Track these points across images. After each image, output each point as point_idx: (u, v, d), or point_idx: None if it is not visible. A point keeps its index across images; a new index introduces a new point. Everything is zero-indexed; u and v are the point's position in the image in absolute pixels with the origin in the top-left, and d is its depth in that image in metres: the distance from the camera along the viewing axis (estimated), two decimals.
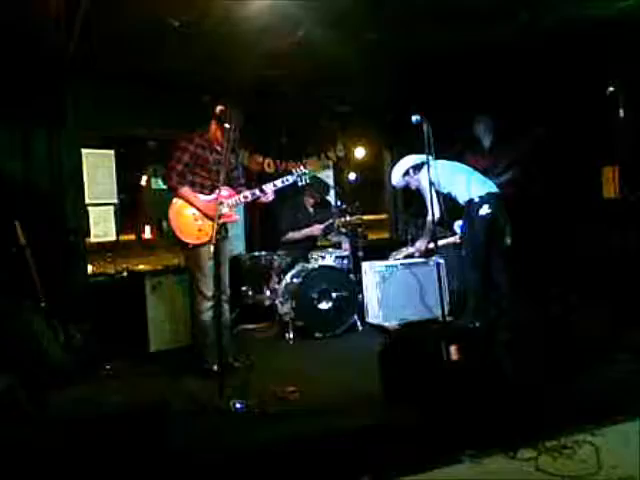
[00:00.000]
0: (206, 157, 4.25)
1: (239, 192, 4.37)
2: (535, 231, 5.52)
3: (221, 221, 4.19)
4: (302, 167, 4.61)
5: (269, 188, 4.38)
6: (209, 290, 4.14)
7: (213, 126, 4.27)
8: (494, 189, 5.01)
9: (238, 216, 4.48)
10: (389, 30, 4.83)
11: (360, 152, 7.49)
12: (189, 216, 4.22)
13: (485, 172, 5.28)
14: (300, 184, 4.58)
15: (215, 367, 4.01)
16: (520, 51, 5.21)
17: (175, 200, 4.22)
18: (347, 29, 4.69)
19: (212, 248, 3.69)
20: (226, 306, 4.42)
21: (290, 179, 4.46)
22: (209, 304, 4.18)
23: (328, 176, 7.08)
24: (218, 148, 4.26)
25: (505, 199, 5.02)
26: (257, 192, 4.35)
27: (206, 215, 4.17)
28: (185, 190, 4.20)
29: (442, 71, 5.67)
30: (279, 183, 4.41)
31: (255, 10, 4.27)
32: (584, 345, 3.97)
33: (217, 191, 3.91)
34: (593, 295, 4.91)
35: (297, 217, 6.14)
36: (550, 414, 3.08)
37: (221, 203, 3.93)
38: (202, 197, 4.24)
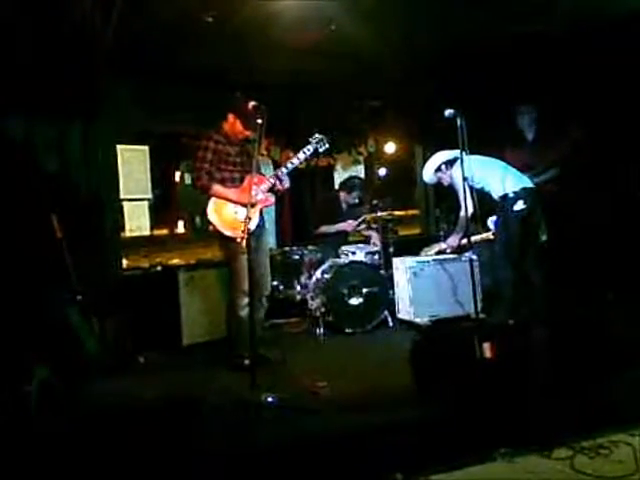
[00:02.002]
0: (228, 151, 4.29)
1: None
2: (573, 227, 5.42)
3: (259, 207, 4.27)
4: (317, 134, 4.48)
5: (295, 160, 4.37)
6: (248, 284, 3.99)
7: (231, 119, 4.29)
8: (529, 184, 4.93)
9: (273, 198, 4.48)
10: (421, 23, 4.79)
11: (391, 147, 7.44)
12: (228, 211, 4.26)
13: (523, 170, 5.17)
14: (321, 150, 4.50)
15: (247, 361, 4.03)
16: (561, 45, 5.10)
17: (211, 199, 4.26)
18: (379, 23, 4.66)
19: (244, 242, 3.72)
20: (265, 302, 4.45)
21: (311, 148, 4.41)
22: (248, 299, 4.06)
23: (359, 171, 7.07)
24: (237, 140, 4.31)
25: (543, 195, 4.93)
26: (283, 169, 4.34)
27: (243, 205, 4.12)
28: (217, 188, 4.24)
29: (478, 64, 5.58)
30: (301, 155, 4.39)
31: (287, 5, 4.28)
32: (622, 344, 3.88)
33: (247, 180, 3.95)
34: (632, 293, 4.80)
35: (331, 211, 6.13)
36: (587, 413, 3.02)
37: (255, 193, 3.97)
38: (234, 189, 4.28)
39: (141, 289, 5.06)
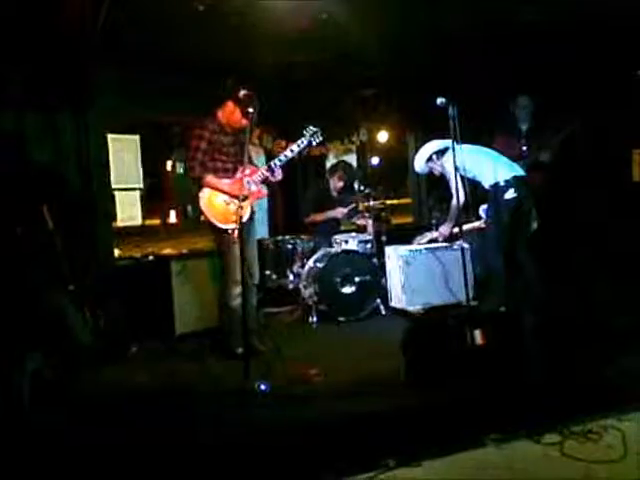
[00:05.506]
0: (221, 141, 4.27)
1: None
2: (562, 215, 5.44)
3: (252, 199, 4.26)
4: (312, 127, 4.44)
5: (289, 152, 4.34)
6: (240, 274, 4.04)
7: (229, 108, 4.26)
8: (520, 173, 4.93)
9: (266, 190, 4.47)
10: (413, 10, 4.77)
11: (384, 136, 7.44)
12: (220, 202, 4.24)
13: (512, 155, 5.18)
14: (315, 143, 4.47)
15: (240, 350, 4.04)
16: (552, 33, 5.09)
17: (204, 190, 4.24)
18: (371, 11, 4.64)
19: (236, 231, 3.74)
20: (254, 290, 4.47)
21: (304, 141, 4.38)
22: (240, 289, 4.07)
23: (351, 160, 7.06)
24: (231, 130, 4.29)
25: (532, 182, 4.95)
26: (277, 162, 4.33)
27: (236, 197, 4.10)
28: (210, 178, 4.23)
29: (470, 52, 5.57)
30: (295, 147, 4.36)
31: None
32: (612, 330, 3.92)
33: (240, 171, 3.95)
34: (622, 279, 4.83)
35: (321, 199, 6.13)
36: (576, 399, 3.05)
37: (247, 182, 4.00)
38: (227, 181, 4.26)
39: (133, 279, 5.05)
